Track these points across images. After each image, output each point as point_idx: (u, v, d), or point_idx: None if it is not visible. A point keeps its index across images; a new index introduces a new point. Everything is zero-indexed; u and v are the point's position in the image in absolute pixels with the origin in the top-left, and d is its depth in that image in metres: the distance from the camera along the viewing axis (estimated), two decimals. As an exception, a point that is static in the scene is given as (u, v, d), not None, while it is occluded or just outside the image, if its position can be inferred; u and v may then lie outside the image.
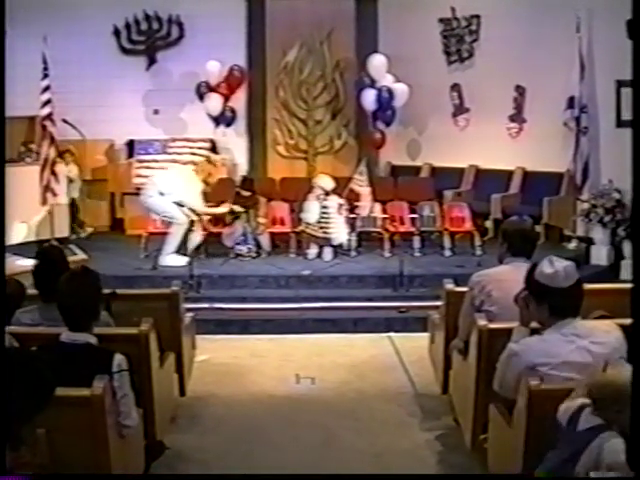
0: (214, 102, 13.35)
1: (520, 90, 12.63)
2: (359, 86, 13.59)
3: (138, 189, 11.54)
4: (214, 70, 13.20)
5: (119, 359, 4.62)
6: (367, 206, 11.48)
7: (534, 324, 4.58)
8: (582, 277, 4.48)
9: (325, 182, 11.14)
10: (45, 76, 11.41)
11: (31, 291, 5.76)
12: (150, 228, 11.34)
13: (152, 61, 13.86)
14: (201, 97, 13.31)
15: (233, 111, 13.56)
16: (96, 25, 13.24)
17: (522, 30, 12.15)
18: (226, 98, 13.44)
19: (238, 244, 11.05)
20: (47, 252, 6.10)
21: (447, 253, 11.25)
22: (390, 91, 13.14)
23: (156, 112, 13.67)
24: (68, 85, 12.03)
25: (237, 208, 11.08)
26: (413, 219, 11.59)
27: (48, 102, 11.44)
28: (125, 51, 13.78)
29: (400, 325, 9.40)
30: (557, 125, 11.54)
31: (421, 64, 13.48)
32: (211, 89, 13.30)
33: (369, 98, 13.30)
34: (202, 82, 13.26)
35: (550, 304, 4.40)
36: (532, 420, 4.29)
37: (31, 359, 3.46)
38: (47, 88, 11.43)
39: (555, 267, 4.38)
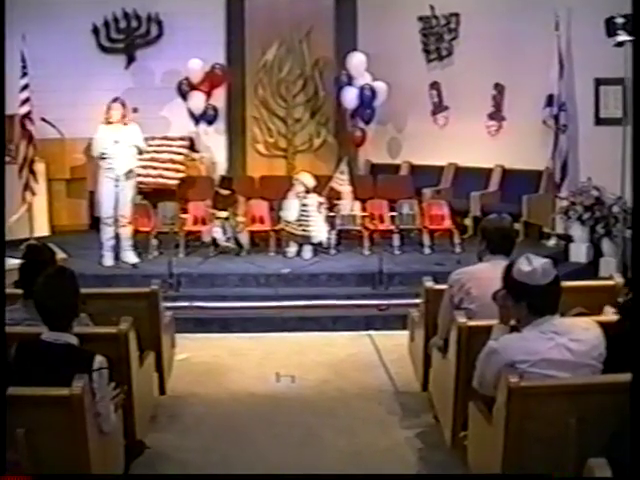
0: (197, 100, 13.28)
1: (499, 88, 12.66)
2: (338, 84, 13.58)
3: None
4: (196, 68, 13.13)
5: (99, 360, 4.59)
6: (348, 205, 11.48)
7: (513, 322, 4.58)
8: (561, 274, 4.50)
9: (307, 179, 11.13)
10: (24, 74, 11.36)
11: (9, 290, 5.74)
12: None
13: (131, 59, 13.78)
14: (183, 95, 13.24)
15: (215, 109, 13.50)
16: (75, 23, 13.15)
17: (501, 28, 12.17)
18: (207, 96, 13.38)
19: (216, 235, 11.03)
20: (36, 250, 6.05)
21: (426, 251, 11.26)
22: (371, 89, 13.13)
23: (135, 110, 13.56)
24: (47, 83, 11.94)
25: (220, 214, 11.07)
26: (392, 217, 11.60)
27: (27, 100, 11.39)
28: (104, 49, 13.69)
29: (380, 323, 9.41)
30: (536, 123, 11.59)
31: (400, 62, 13.49)
32: (193, 87, 13.24)
33: (349, 96, 13.29)
34: (183, 80, 13.19)
35: (528, 302, 4.40)
36: (512, 417, 4.29)
37: None
38: (26, 86, 11.37)
39: (533, 265, 4.39)
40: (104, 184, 10.43)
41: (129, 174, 10.41)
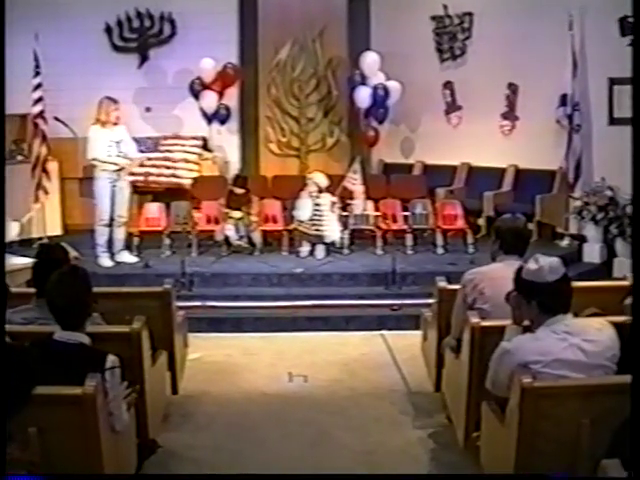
0: (209, 99, 13.28)
1: (513, 88, 12.62)
2: (351, 84, 13.57)
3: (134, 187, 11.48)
4: (208, 67, 13.13)
5: (112, 360, 4.60)
6: (360, 204, 11.47)
7: (526, 322, 4.58)
8: (574, 275, 4.51)
9: (320, 179, 11.13)
10: (37, 74, 11.41)
11: (15, 289, 5.73)
12: (142, 226, 11.35)
13: (144, 59, 13.80)
14: (195, 95, 13.25)
15: (227, 109, 13.50)
16: (88, 22, 13.18)
17: (515, 28, 12.14)
18: (220, 96, 13.38)
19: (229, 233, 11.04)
20: (49, 249, 6.05)
21: (439, 251, 11.26)
22: (385, 89, 13.11)
23: (148, 110, 13.62)
24: (60, 82, 11.99)
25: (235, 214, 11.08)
26: (405, 217, 11.59)
27: (40, 100, 11.44)
28: (117, 48, 13.72)
29: (392, 323, 9.40)
30: (550, 123, 11.57)
31: (413, 62, 13.46)
32: (205, 86, 13.24)
33: (363, 95, 13.28)
34: (195, 79, 13.19)
35: (538, 301, 4.40)
36: (525, 418, 4.28)
37: (16, 352, 3.45)
38: (39, 86, 11.43)
39: (539, 263, 4.40)
40: (102, 185, 10.44)
41: (123, 173, 10.44)
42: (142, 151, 11.35)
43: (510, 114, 12.76)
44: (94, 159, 10.33)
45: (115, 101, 10.45)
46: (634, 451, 3.33)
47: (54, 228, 11.95)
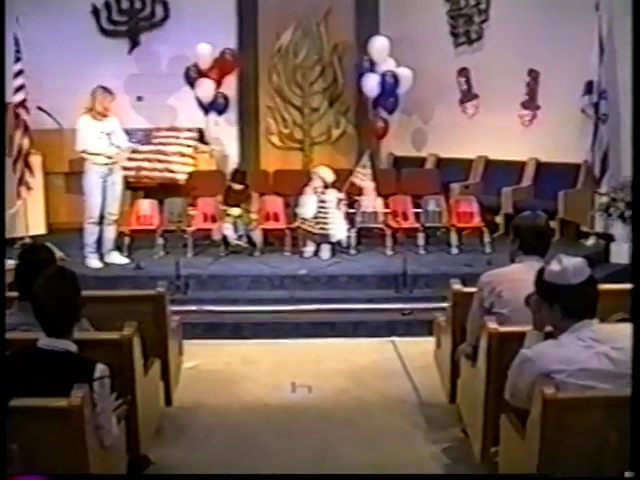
0: (205, 88, 13.27)
1: (533, 74, 12.61)
2: (359, 71, 13.58)
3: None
4: (205, 53, 13.12)
5: (101, 369, 4.59)
6: (370, 201, 11.46)
7: (548, 328, 4.57)
8: (601, 277, 4.49)
9: (325, 173, 11.12)
10: (18, 59, 11.42)
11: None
12: (134, 225, 11.35)
13: (135, 43, 13.82)
14: (191, 82, 13.25)
15: (225, 98, 13.50)
16: (73, 4, 13.20)
17: (536, 9, 12.14)
18: (218, 84, 13.38)
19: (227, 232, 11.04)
20: (33, 250, 6.03)
21: (454, 251, 11.25)
22: (395, 76, 13.11)
23: (140, 99, 13.64)
24: (43, 69, 12.01)
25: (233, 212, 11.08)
26: (417, 214, 11.59)
27: (21, 88, 11.44)
28: (105, 32, 13.73)
29: (403, 328, 9.39)
30: (574, 112, 11.53)
31: (426, 47, 13.47)
32: (201, 74, 13.23)
33: (371, 84, 13.28)
34: (191, 66, 13.19)
35: (562, 304, 4.39)
36: (547, 431, 4.27)
37: None
38: (20, 72, 11.42)
39: (563, 264, 4.39)
40: (92, 180, 10.41)
41: (115, 166, 10.44)
42: (133, 144, 11.35)
43: (531, 103, 12.76)
44: (84, 151, 10.31)
45: (111, 92, 10.43)
46: (634, 451, 3.34)
47: (37, 227, 11.96)
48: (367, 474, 5.86)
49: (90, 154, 10.28)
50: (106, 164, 10.30)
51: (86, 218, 10.50)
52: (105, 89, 10.40)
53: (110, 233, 10.68)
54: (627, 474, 3.54)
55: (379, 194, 11.60)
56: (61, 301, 4.67)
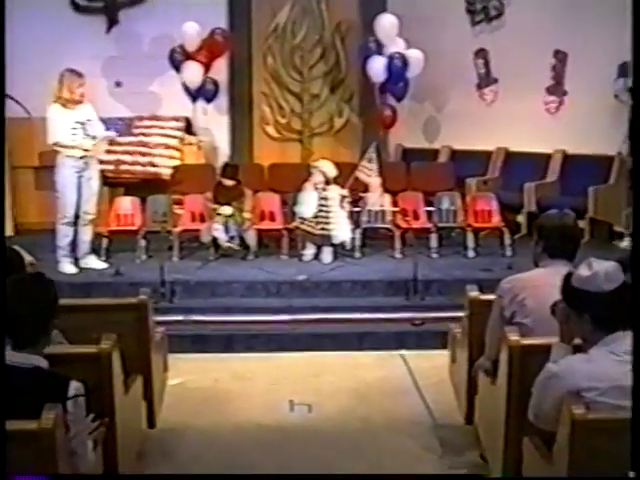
0: (192, 72, 13.26)
1: (560, 56, 12.62)
2: (364, 53, 13.57)
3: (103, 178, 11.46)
4: (192, 33, 13.11)
5: (75, 387, 4.56)
6: (377, 199, 11.46)
7: (577, 340, 4.55)
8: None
9: (327, 168, 11.13)
10: (-20, 40, 11.42)
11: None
12: (112, 225, 11.35)
13: (113, 22, 13.82)
14: (176, 66, 13.24)
15: (215, 83, 13.50)
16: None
17: (563, -18, 12.16)
18: (206, 68, 13.37)
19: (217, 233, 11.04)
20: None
21: (470, 254, 11.28)
22: (404, 59, 13.11)
23: (118, 84, 13.65)
24: (9, 51, 11.99)
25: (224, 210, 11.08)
26: (429, 213, 11.63)
27: (-16, 72, 11.44)
28: (79, 9, 13.73)
29: (414, 341, 9.39)
30: (606, 98, 11.55)
31: (439, 26, 13.49)
32: (188, 56, 13.22)
33: (377, 67, 13.28)
34: (177, 48, 13.18)
35: (592, 314, 4.38)
36: (576, 456, 4.26)
37: None
38: (-17, 55, 11.43)
39: (593, 269, 4.37)
40: (65, 175, 10.37)
41: (92, 160, 10.41)
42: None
43: (557, 88, 12.76)
44: (56, 143, 10.29)
45: (80, 75, 10.37)
46: (634, 451, 3.33)
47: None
48: (367, 474, 5.90)
49: (63, 147, 10.26)
50: (81, 157, 10.28)
51: (59, 218, 10.48)
52: (72, 71, 10.32)
53: (86, 235, 10.66)
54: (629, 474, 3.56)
55: (387, 191, 11.62)
56: (34, 309, 4.64)
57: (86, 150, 10.27)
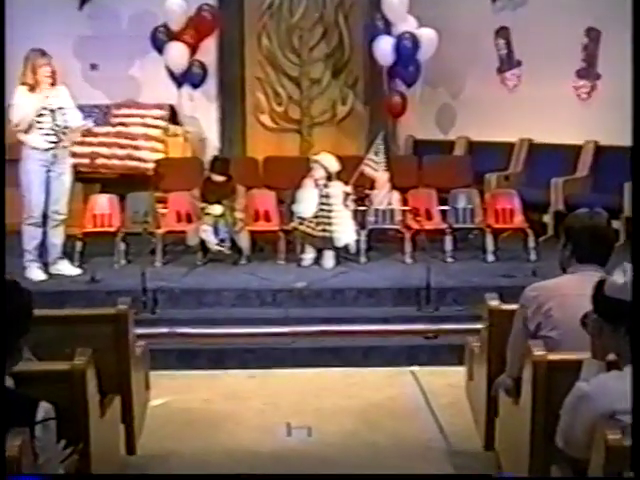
0: (177, 54, 13.27)
1: (593, 35, 12.63)
2: (370, 33, 13.59)
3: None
4: (177, 10, 13.12)
5: (45, 409, 4.54)
6: (385, 197, 11.47)
7: (611, 356, 4.53)
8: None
9: (329, 162, 11.13)
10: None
11: None
12: (87, 226, 11.35)
13: (86, -4, 13.86)
14: (159, 47, 13.24)
15: (203, 67, 13.50)
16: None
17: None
18: (193, 49, 13.37)
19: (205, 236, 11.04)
20: None
21: (490, 258, 11.29)
22: (414, 38, 13.10)
23: (94, 67, 13.65)
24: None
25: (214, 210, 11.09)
26: (444, 213, 11.63)
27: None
28: (49, -19, 13.77)
29: (427, 356, 9.41)
30: (643, 83, 11.55)
31: (455, 1, 13.49)
32: (173, 37, 13.22)
33: (384, 48, 13.29)
34: (160, 27, 13.18)
35: (627, 327, 4.35)
36: (611, 487, 4.25)
37: None
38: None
39: (629, 275, 4.34)
40: (31, 169, 10.33)
41: (63, 153, 10.38)
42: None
43: (589, 71, 12.78)
44: (18, 127, 10.24)
45: (44, 53, 10.30)
46: (634, 451, 3.32)
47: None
48: (367, 474, 5.94)
49: (27, 133, 10.23)
50: (50, 149, 10.25)
51: (25, 218, 10.46)
52: (35, 50, 10.27)
53: (56, 237, 10.63)
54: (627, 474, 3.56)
55: (396, 187, 11.63)
56: (7, 323, 4.61)
57: (54, 142, 10.22)
